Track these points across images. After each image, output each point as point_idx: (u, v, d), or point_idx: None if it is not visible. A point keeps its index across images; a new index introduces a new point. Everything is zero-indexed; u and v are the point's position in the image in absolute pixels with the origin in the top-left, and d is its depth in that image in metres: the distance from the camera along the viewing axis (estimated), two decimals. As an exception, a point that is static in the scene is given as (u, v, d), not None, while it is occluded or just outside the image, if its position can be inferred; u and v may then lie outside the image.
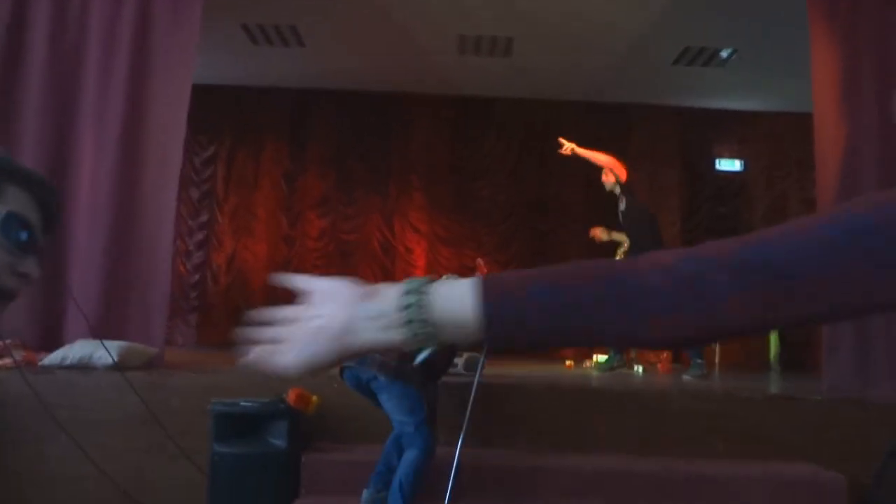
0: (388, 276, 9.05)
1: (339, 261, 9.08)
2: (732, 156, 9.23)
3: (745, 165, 9.23)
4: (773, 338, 8.93)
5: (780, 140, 9.15)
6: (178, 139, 4.81)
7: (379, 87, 8.93)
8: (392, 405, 3.47)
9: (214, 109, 9.05)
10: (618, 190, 5.86)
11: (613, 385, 4.78)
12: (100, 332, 4.27)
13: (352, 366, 3.49)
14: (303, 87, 9.11)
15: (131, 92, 4.70)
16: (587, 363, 6.74)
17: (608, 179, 5.87)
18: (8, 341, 4.21)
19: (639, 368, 6.66)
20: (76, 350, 4.20)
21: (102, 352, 4.07)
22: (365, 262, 9.10)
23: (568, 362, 6.92)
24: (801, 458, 3.97)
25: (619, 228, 6.01)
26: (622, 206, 5.85)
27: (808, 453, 3.99)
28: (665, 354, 8.66)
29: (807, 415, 4.08)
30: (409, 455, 3.40)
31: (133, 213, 4.68)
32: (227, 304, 8.96)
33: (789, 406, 4.13)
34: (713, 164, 9.22)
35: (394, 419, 3.50)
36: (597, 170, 5.95)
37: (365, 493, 3.49)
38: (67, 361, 4.17)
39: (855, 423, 4.02)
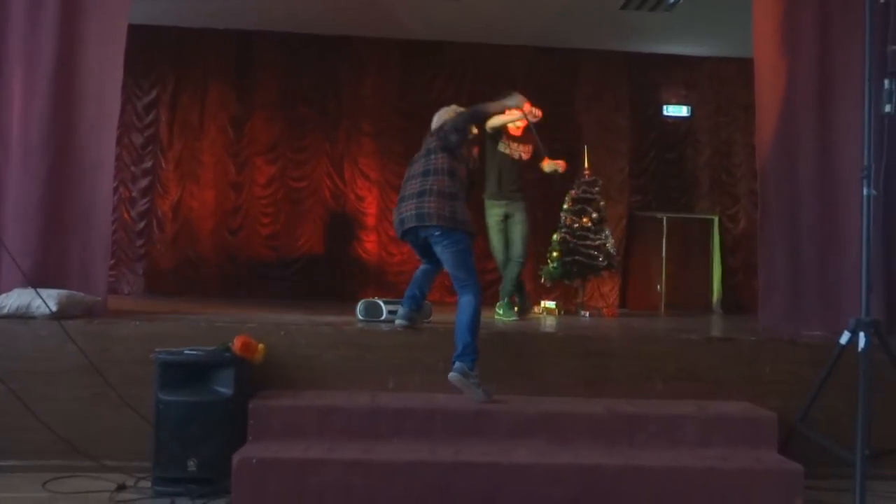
0: (340, 223, 9.00)
1: (288, 208, 8.98)
2: (679, 101, 9.32)
3: (692, 111, 9.33)
4: (716, 283, 9.20)
5: (726, 85, 9.26)
6: (116, 78, 4.62)
7: (326, 29, 8.73)
8: (447, 256, 4.02)
9: (156, 51, 8.76)
10: (534, 150, 5.85)
11: (558, 330, 4.87)
12: (38, 280, 4.16)
13: (414, 226, 4.06)
14: (247, 29, 8.85)
15: (62, 27, 4.47)
16: (535, 309, 6.85)
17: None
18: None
19: (585, 314, 6.81)
20: (13, 299, 4.08)
21: (41, 300, 3.98)
22: (315, 210, 9.01)
23: (516, 308, 7.01)
24: (736, 395, 4.13)
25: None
26: (526, 156, 5.82)
27: (743, 391, 4.14)
28: (612, 300, 8.88)
29: (743, 354, 4.22)
30: (465, 299, 3.94)
31: (69, 156, 4.50)
32: (174, 252, 8.83)
33: (726, 346, 4.26)
34: (661, 109, 9.30)
35: (448, 269, 4.06)
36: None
37: (401, 310, 4.27)
38: (5, 311, 4.06)
39: (787, 361, 4.18)
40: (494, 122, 5.65)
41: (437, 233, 4.01)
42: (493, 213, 5.85)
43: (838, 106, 4.73)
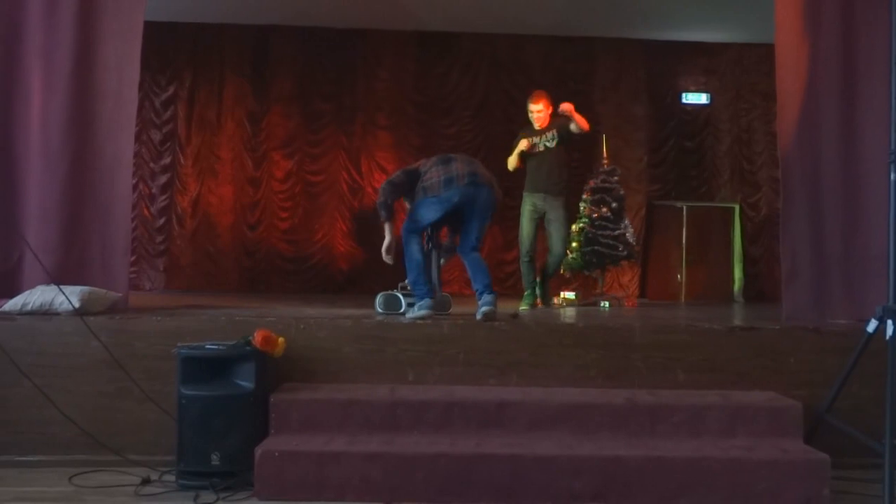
0: (357, 216, 9.00)
1: (305, 202, 8.99)
2: (698, 89, 9.20)
3: (711, 98, 9.21)
4: (737, 272, 9.11)
5: (745, 72, 9.13)
6: (133, 75, 4.64)
7: (341, 22, 8.71)
8: (486, 218, 4.73)
9: (172, 48, 8.78)
10: (558, 135, 5.88)
11: (578, 321, 4.85)
12: (60, 277, 4.20)
13: (479, 183, 4.60)
14: (263, 24, 8.86)
15: (79, 24, 4.50)
16: (555, 300, 6.82)
17: (545, 123, 5.92)
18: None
19: (605, 304, 6.76)
20: (36, 296, 4.13)
21: (64, 297, 4.02)
22: (333, 203, 9.02)
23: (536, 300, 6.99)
24: (760, 385, 4.08)
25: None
26: (550, 144, 5.89)
27: (766, 381, 4.09)
28: (632, 290, 8.81)
29: (766, 344, 4.17)
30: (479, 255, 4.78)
31: (88, 153, 4.53)
32: (194, 247, 8.87)
33: (749, 335, 4.21)
34: (679, 97, 9.19)
35: (481, 225, 4.72)
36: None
37: (489, 298, 4.48)
38: (28, 307, 4.11)
39: (812, 350, 4.12)
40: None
41: (491, 198, 4.65)
42: (528, 202, 5.98)
43: (862, 90, 4.65)
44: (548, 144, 5.87)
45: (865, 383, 3.82)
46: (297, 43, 8.97)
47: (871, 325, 3.56)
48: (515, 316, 4.67)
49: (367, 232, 9.01)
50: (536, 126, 5.92)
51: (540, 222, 6.08)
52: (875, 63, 4.60)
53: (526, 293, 6.02)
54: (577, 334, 4.21)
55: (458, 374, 4.03)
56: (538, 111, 5.90)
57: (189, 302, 5.99)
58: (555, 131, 5.87)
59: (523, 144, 5.89)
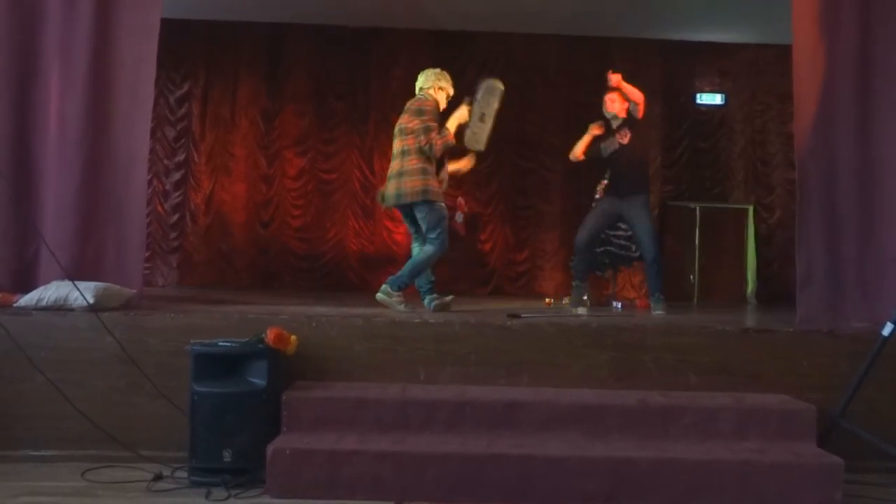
0: (369, 216, 9.01)
1: (318, 200, 9.02)
2: (713, 89, 9.15)
3: (726, 99, 9.16)
4: (750, 274, 9.06)
5: (760, 73, 9.07)
6: (149, 72, 4.67)
7: (356, 21, 8.72)
8: (426, 221, 4.91)
9: (187, 45, 8.83)
10: (620, 124, 5.72)
11: (590, 321, 4.82)
12: (75, 273, 4.23)
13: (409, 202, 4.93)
14: (278, 22, 8.88)
15: (97, 21, 4.53)
16: (565, 300, 6.80)
17: (619, 110, 5.72)
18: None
19: (617, 305, 6.74)
20: (51, 291, 4.16)
21: (79, 293, 4.05)
22: (345, 202, 9.03)
23: (547, 300, 6.99)
24: (773, 388, 4.05)
25: (600, 157, 5.84)
26: (624, 140, 5.69)
27: (780, 384, 4.07)
28: (644, 290, 8.77)
29: (779, 346, 4.14)
30: (428, 248, 4.92)
31: (104, 150, 4.56)
32: (207, 244, 8.92)
33: (762, 338, 4.19)
34: (694, 97, 9.15)
35: (424, 226, 4.95)
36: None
37: (428, 300, 4.97)
38: (43, 302, 4.14)
39: (826, 353, 4.09)
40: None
41: (416, 205, 4.89)
42: (603, 201, 5.90)
43: (879, 94, 4.62)
44: (622, 142, 5.68)
45: (881, 387, 3.80)
46: (311, 41, 8.99)
47: (887, 329, 3.54)
48: (516, 317, 4.60)
49: (378, 230, 9.03)
50: (614, 118, 5.75)
51: (610, 222, 6.00)
52: (892, 69, 4.58)
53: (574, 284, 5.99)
54: (588, 335, 4.19)
55: (470, 373, 4.03)
56: (611, 100, 5.72)
57: (202, 298, 6.02)
58: (625, 128, 5.68)
59: (594, 130, 5.78)
